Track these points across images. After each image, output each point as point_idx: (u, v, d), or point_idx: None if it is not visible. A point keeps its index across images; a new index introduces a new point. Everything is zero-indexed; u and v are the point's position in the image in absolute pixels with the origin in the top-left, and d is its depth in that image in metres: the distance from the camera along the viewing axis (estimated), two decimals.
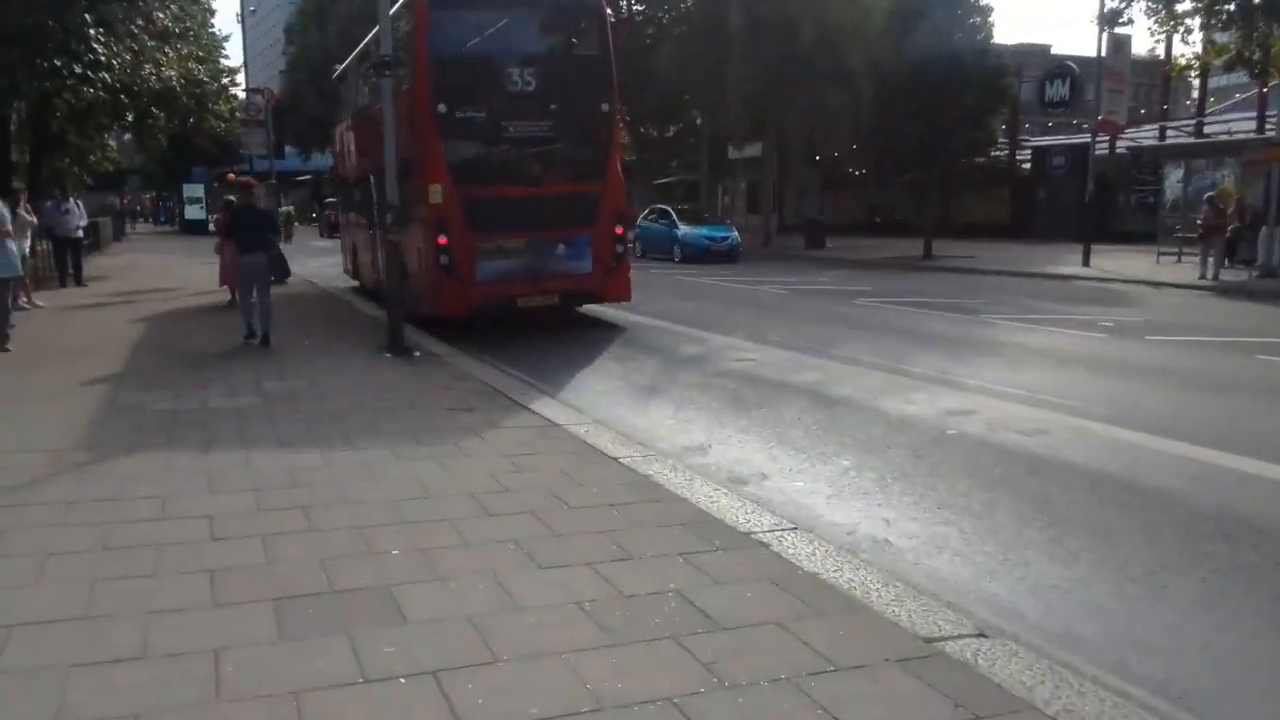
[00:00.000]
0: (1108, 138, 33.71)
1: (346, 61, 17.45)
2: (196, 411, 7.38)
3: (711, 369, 9.74)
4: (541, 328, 12.59)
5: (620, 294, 12.76)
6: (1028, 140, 38.26)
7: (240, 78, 38.12)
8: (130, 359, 10.03)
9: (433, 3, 11.54)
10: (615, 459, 6.03)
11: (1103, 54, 22.75)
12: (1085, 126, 38.63)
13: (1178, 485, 5.75)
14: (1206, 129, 29.48)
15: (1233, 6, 19.21)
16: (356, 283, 17.86)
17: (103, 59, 16.68)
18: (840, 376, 9.18)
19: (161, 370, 9.28)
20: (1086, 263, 22.79)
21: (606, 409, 7.89)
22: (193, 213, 49.14)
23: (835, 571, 4.19)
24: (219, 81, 28.96)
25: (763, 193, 38.16)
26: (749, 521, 4.84)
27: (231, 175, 40.44)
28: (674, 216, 28.01)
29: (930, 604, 3.89)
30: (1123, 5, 21.22)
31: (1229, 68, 21.14)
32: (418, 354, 10.24)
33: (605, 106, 12.33)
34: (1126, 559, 4.63)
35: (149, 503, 5.07)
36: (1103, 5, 21.79)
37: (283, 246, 17.37)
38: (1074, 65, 33.42)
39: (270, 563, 4.24)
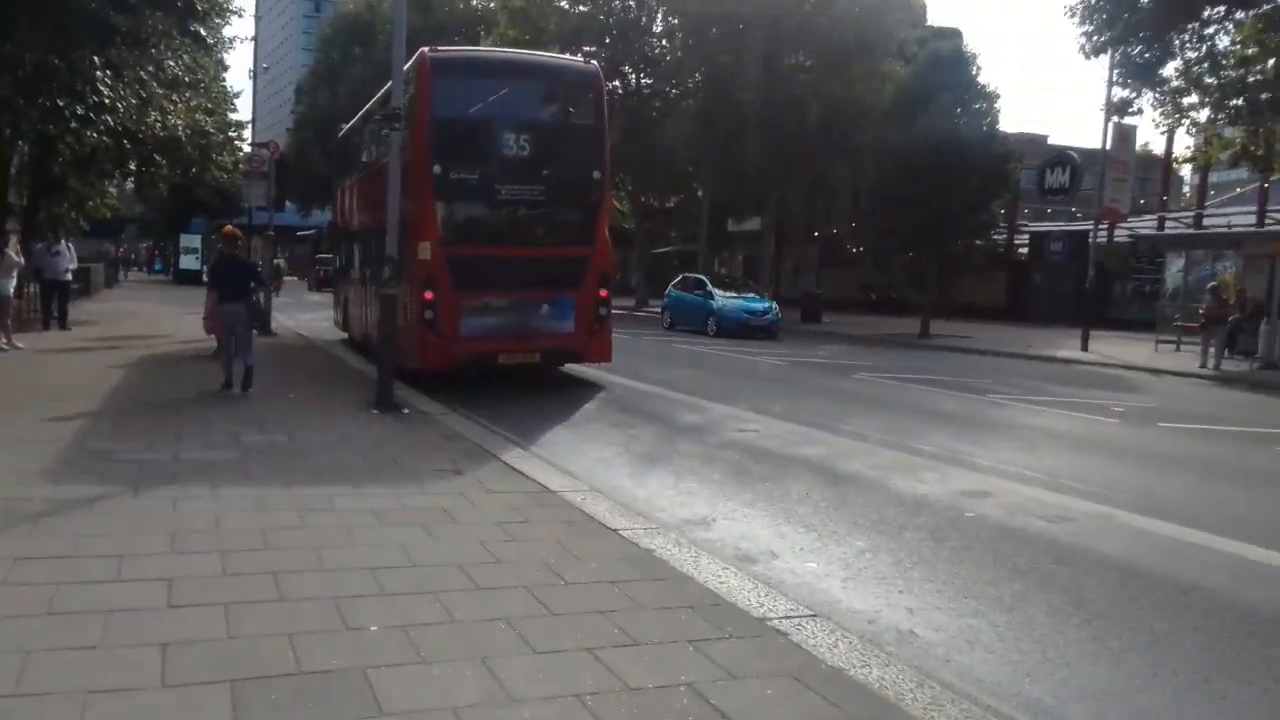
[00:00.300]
0: (1106, 225, 34.03)
1: (353, 121, 17.84)
2: (168, 464, 6.94)
3: (713, 439, 9.36)
4: (535, 390, 12.23)
5: (601, 355, 12.84)
6: (1026, 225, 38.53)
7: (247, 133, 38.38)
8: (104, 404, 9.58)
9: (436, 68, 11.83)
10: (614, 530, 5.61)
11: (1108, 143, 22.91)
12: (1079, 214, 39.08)
13: (1219, 581, 5.35)
14: (1206, 221, 29.65)
15: (1240, 101, 19.38)
16: (345, 335, 17.93)
17: (107, 101, 16.49)
18: (847, 452, 8.79)
19: (136, 417, 8.84)
20: (1085, 347, 22.61)
21: (603, 476, 7.49)
22: (187, 262, 48.89)
23: (863, 667, 3.76)
24: (225, 133, 28.96)
25: (761, 266, 38.20)
26: (763, 606, 4.42)
27: (229, 228, 40.31)
28: (709, 286, 25.98)
29: (971, 709, 3.47)
30: (1132, 95, 21.41)
31: (1234, 162, 21.25)
32: (406, 411, 9.86)
33: (597, 174, 12.47)
34: (1177, 663, 4.21)
35: (104, 562, 4.62)
36: (1110, 94, 22.04)
37: (273, 298, 17.03)
38: (1074, 154, 33.89)
39: (232, 636, 3.79)
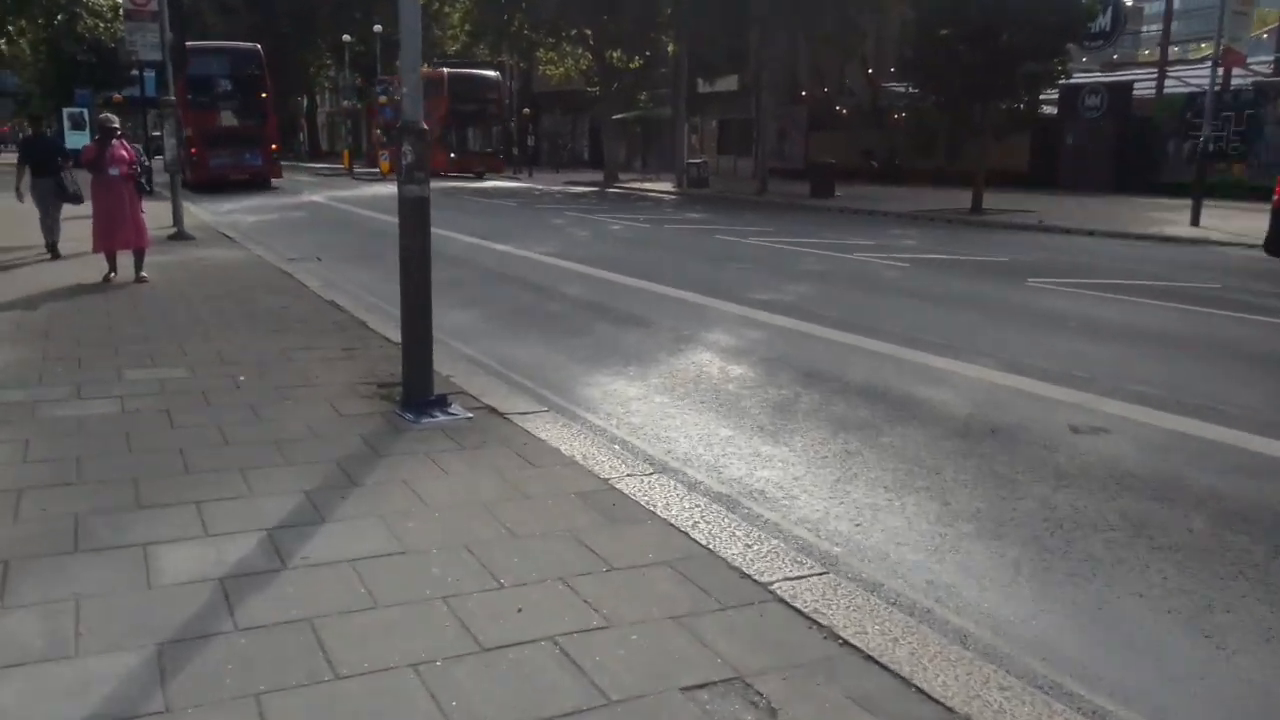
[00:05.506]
0: (1155, 74, 29.89)
1: None
2: None
3: (1056, 457, 4.97)
4: (678, 357, 7.70)
5: (276, 175, 30.21)
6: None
7: None
8: None
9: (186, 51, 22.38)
10: None
11: None
12: (1116, 58, 34.71)
13: None
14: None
15: None
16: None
17: None
18: None
19: None
20: (1196, 221, 18.70)
21: (1019, 623, 3.14)
22: (75, 141, 41.80)
23: None
24: None
25: (754, 131, 33.25)
26: None
27: (118, 96, 33.47)
28: None
29: None
30: None
31: None
32: (454, 408, 5.33)
33: (264, 95, 29.13)
34: None
35: None
36: None
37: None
38: None
39: None
